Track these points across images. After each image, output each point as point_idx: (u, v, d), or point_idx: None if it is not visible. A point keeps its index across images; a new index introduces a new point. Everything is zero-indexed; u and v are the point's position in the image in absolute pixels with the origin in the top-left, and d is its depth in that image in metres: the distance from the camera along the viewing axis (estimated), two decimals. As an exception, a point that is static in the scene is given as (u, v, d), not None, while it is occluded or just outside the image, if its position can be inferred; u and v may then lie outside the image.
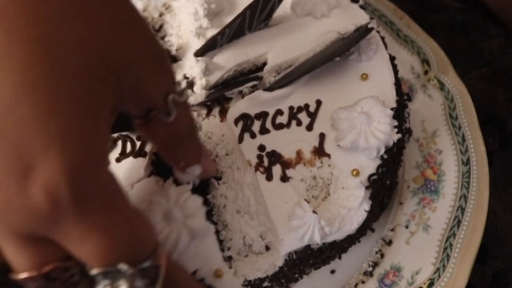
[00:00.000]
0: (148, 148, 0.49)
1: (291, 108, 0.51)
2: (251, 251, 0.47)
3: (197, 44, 0.53)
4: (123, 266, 0.30)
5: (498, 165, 0.65)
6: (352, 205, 0.46)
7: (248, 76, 0.53)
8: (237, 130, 0.50)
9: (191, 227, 0.40)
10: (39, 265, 0.30)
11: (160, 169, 0.47)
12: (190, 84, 0.53)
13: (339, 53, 0.50)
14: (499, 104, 0.70)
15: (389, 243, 0.58)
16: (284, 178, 0.47)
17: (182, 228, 0.40)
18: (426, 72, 0.66)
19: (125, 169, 0.48)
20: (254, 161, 0.48)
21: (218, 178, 0.49)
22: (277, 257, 0.46)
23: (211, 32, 0.53)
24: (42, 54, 0.28)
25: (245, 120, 0.50)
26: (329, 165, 0.48)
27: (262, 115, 0.50)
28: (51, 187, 0.27)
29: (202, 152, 0.44)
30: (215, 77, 0.52)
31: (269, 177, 0.47)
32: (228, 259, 0.47)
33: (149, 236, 0.33)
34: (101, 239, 0.29)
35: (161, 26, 0.59)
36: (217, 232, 0.48)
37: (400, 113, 0.50)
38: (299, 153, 0.49)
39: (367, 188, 0.46)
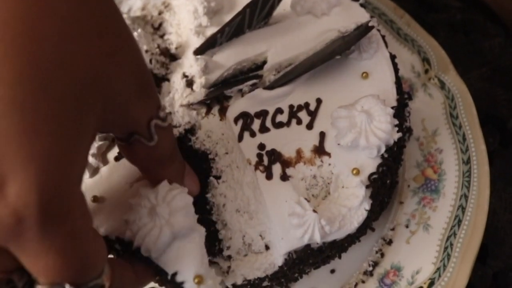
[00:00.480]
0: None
1: (291, 106, 0.50)
2: (250, 250, 0.47)
3: (197, 42, 0.53)
4: (68, 287, 0.31)
5: (499, 164, 0.65)
6: (352, 204, 0.45)
7: (248, 74, 0.53)
8: (237, 128, 0.50)
9: (173, 225, 0.39)
10: None
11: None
12: (190, 83, 0.52)
13: (340, 51, 0.50)
14: (499, 103, 0.70)
15: (389, 242, 0.58)
16: (284, 177, 0.47)
17: (164, 225, 0.39)
18: (426, 71, 0.66)
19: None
20: (254, 159, 0.48)
21: (218, 177, 0.49)
22: (276, 256, 0.46)
23: (211, 30, 0.53)
24: (34, 71, 0.28)
25: (245, 118, 0.50)
26: (329, 164, 0.48)
27: (262, 114, 0.50)
28: (20, 205, 0.27)
29: (184, 172, 0.44)
30: (214, 76, 0.52)
31: (269, 176, 0.47)
32: (228, 258, 0.47)
33: (101, 260, 0.33)
34: (55, 259, 0.29)
35: (160, 24, 0.58)
36: (216, 232, 0.48)
37: (400, 112, 0.50)
38: (299, 152, 0.48)
39: (367, 187, 0.46)
